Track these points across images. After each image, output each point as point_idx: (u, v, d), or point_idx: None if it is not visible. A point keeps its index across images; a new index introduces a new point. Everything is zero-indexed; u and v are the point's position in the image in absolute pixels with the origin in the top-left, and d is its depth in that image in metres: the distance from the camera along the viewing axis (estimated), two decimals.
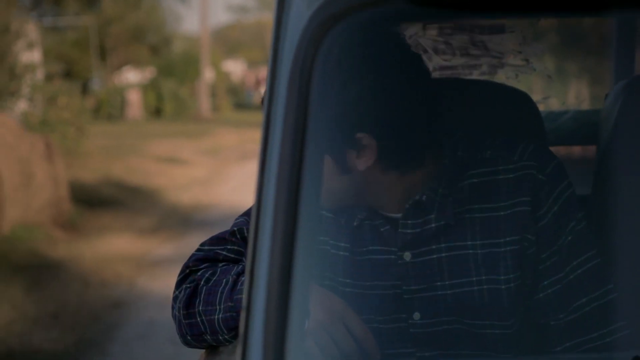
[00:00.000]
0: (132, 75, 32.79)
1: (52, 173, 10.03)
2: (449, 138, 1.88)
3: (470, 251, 1.83)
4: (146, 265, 8.11)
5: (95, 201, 11.01)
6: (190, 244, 7.88)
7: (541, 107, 2.30)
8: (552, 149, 2.24)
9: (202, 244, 2.03)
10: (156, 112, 28.50)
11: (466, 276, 1.84)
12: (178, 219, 10.66)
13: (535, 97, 2.26)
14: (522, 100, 2.18)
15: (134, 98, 27.00)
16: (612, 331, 1.81)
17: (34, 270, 7.58)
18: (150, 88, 28.77)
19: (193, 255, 2.01)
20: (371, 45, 1.76)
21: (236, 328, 1.86)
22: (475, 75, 2.67)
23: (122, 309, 6.74)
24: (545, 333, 1.87)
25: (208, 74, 32.03)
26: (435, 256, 1.84)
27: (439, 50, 2.65)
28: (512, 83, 2.59)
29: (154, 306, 6.36)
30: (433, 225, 1.84)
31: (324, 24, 1.33)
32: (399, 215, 1.85)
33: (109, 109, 26.88)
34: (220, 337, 1.90)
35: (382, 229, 1.86)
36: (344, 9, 1.33)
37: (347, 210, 1.88)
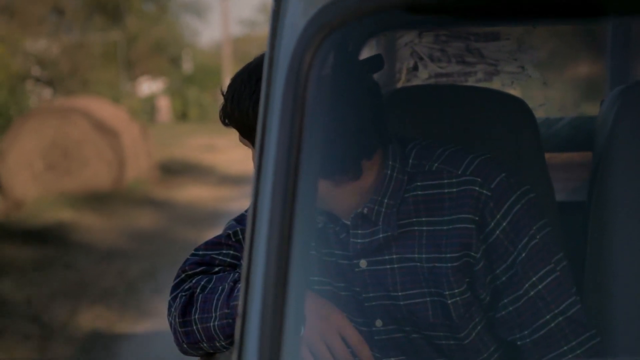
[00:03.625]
0: (146, 86, 35.17)
1: (146, 148, 15.32)
2: (402, 148, 1.85)
3: (418, 264, 1.81)
4: (219, 201, 13.59)
5: (170, 170, 16.56)
6: (243, 191, 14.15)
7: (537, 114, 2.30)
8: (547, 155, 2.25)
9: (196, 249, 2.02)
10: (182, 116, 31.98)
11: (417, 288, 1.82)
12: (231, 180, 15.79)
13: (531, 104, 2.26)
14: (518, 107, 2.18)
15: (163, 104, 28.69)
16: (581, 342, 1.79)
17: (149, 205, 13.02)
18: (177, 95, 32.42)
19: (188, 259, 2.00)
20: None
21: (232, 335, 1.86)
22: (470, 82, 2.68)
23: (209, 219, 11.67)
24: (514, 352, 1.85)
25: (228, 81, 34.00)
26: (388, 266, 1.83)
27: (434, 58, 2.66)
28: (508, 90, 2.60)
29: (230, 215, 9.54)
30: (381, 235, 1.82)
31: (319, 33, 1.33)
32: (350, 223, 1.84)
33: (141, 114, 28.75)
34: (217, 344, 1.89)
35: (340, 236, 1.85)
36: (339, 18, 1.34)
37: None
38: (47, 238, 10.19)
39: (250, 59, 1.96)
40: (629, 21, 2.90)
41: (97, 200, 12.61)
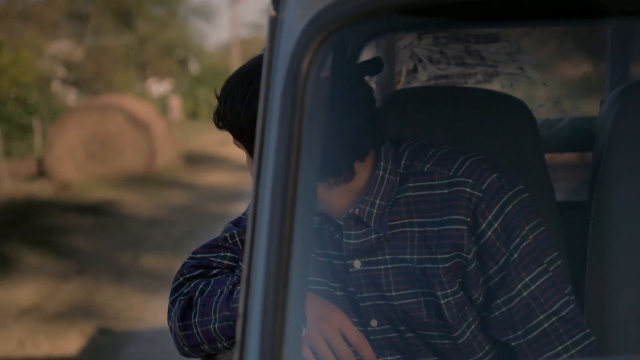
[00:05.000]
0: (155, 87, 36.42)
1: (171, 140, 17.58)
2: (396, 149, 1.85)
3: (410, 264, 1.82)
4: (236, 184, 15.51)
5: (192, 160, 18.69)
6: None
7: (537, 115, 2.30)
8: (548, 155, 2.25)
9: (194, 252, 2.02)
10: (192, 115, 33.09)
11: (410, 288, 1.83)
12: (246, 168, 16.17)
13: (531, 105, 2.27)
14: (518, 107, 2.18)
15: (175, 104, 29.44)
16: (575, 342, 1.79)
17: (178, 187, 15.27)
18: (188, 96, 33.67)
19: (186, 263, 2.01)
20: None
21: (234, 337, 1.86)
22: (470, 84, 2.68)
23: (230, 198, 13.72)
24: (509, 351, 1.86)
25: None
26: (382, 267, 1.83)
27: (433, 60, 2.66)
28: (507, 91, 2.60)
29: (247, 194, 10.41)
30: (373, 236, 1.83)
31: (317, 36, 1.33)
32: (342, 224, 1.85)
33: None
34: (219, 345, 1.90)
35: (334, 237, 1.86)
36: (337, 21, 1.34)
37: None
38: (98, 210, 12.44)
39: None
40: (629, 22, 2.91)
41: (132, 183, 14.90)
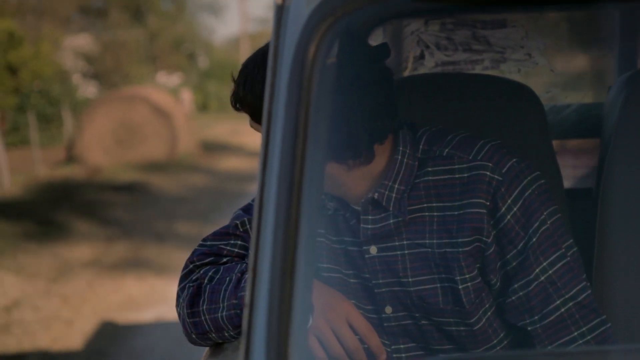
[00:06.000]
0: (164, 80, 37.03)
1: (189, 129, 18.73)
2: (413, 134, 1.85)
3: (429, 249, 1.81)
4: (251, 169, 16.51)
5: (208, 148, 19.78)
6: None
7: (544, 101, 2.29)
8: (555, 142, 2.23)
9: (204, 239, 2.02)
10: (203, 108, 33.80)
11: (427, 274, 1.82)
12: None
13: (538, 91, 2.26)
14: (525, 93, 2.17)
15: (186, 97, 30.24)
16: (591, 328, 1.79)
17: (198, 171, 16.60)
18: (198, 89, 34.48)
19: (196, 250, 2.00)
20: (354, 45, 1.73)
21: (241, 326, 1.86)
22: (477, 70, 2.67)
23: (247, 179, 15.12)
24: (524, 338, 1.85)
25: None
26: (398, 252, 1.83)
27: (441, 46, 2.65)
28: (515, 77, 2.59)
29: None
30: (391, 221, 1.82)
31: (323, 22, 1.32)
32: (360, 209, 1.84)
33: None
34: (226, 334, 1.89)
35: (350, 222, 1.85)
36: (343, 7, 1.33)
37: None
38: (130, 189, 14.03)
39: None
40: (637, 7, 2.89)
41: (156, 167, 16.36)
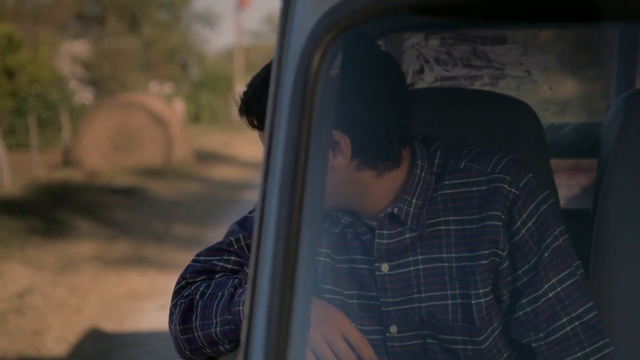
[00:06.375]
0: (156, 90, 37.50)
1: (185, 137, 19.12)
2: (427, 148, 1.85)
3: (446, 264, 1.81)
4: (244, 178, 17.47)
5: (202, 157, 20.48)
6: None
7: (542, 118, 2.29)
8: (552, 161, 2.23)
9: (198, 255, 1.99)
10: (195, 118, 34.20)
11: (440, 289, 1.82)
12: (252, 165, 19.81)
13: (537, 109, 2.25)
14: (524, 110, 2.17)
15: (178, 107, 30.50)
16: (595, 350, 1.78)
17: (192, 178, 17.06)
18: (190, 99, 34.92)
19: (189, 266, 1.98)
20: (366, 56, 1.74)
21: (236, 340, 1.84)
22: (476, 86, 2.67)
23: (241, 188, 15.84)
24: (526, 357, 1.84)
25: (239, 87, 35.32)
26: (412, 268, 1.82)
27: (440, 61, 2.65)
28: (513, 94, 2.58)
29: (255, 185, 14.35)
30: (407, 236, 1.82)
31: (327, 33, 1.31)
32: (376, 224, 1.84)
33: None
34: (222, 348, 1.87)
35: (363, 238, 1.84)
36: (347, 19, 1.32)
37: (330, 214, 1.87)
38: (128, 192, 14.47)
39: (257, 67, 1.92)
40: (636, 26, 2.89)
41: (152, 173, 16.84)
